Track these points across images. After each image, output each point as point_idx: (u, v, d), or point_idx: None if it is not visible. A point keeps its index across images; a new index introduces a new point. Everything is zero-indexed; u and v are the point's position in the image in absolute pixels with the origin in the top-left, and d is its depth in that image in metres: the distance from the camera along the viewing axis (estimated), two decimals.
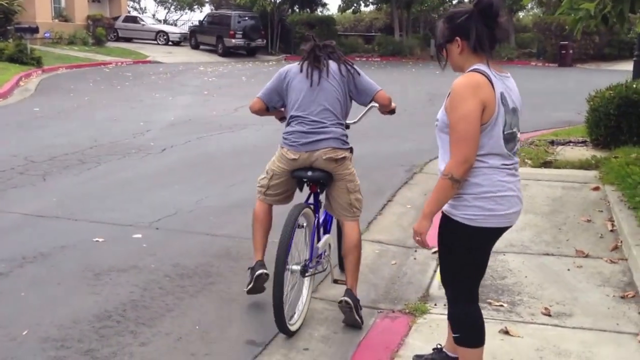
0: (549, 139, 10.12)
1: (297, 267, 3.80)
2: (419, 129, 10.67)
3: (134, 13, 39.28)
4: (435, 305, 4.17)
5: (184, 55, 29.43)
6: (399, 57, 31.89)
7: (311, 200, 4.00)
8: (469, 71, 2.64)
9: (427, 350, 3.54)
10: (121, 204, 6.23)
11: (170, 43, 33.12)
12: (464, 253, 2.78)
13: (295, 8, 35.64)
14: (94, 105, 13.50)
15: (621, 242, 5.17)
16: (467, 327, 2.89)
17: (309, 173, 3.81)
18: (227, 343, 3.63)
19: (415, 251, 5.18)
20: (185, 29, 36.49)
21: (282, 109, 4.07)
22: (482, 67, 2.62)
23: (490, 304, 4.19)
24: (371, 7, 38.69)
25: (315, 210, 3.98)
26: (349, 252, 3.91)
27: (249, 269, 4.13)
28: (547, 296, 4.29)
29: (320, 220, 4.08)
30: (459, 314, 2.90)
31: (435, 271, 4.79)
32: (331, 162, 3.77)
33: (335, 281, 4.21)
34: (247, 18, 30.26)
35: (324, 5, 38.86)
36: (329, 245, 4.17)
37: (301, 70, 3.86)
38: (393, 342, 3.64)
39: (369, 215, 5.85)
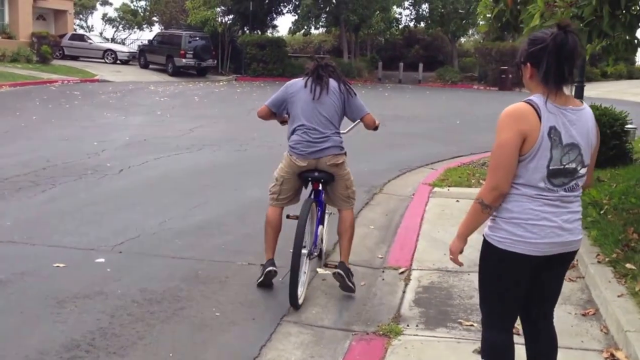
0: None
1: (305, 251, 4.53)
2: (371, 149, 10.80)
3: (80, 31, 38.62)
4: (408, 325, 4.21)
5: (133, 74, 29.05)
6: (348, 79, 31.94)
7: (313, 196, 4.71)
8: (522, 101, 2.64)
9: None
10: (80, 227, 6.07)
11: (118, 62, 32.66)
12: (495, 277, 2.78)
13: (246, 29, 35.68)
14: (43, 124, 13.15)
15: (577, 260, 5.31)
16: (494, 353, 2.87)
17: (316, 174, 4.57)
18: None
19: (383, 272, 5.22)
20: (133, 48, 36.05)
21: (286, 116, 4.76)
22: (537, 98, 2.61)
23: (461, 323, 4.24)
24: (321, 30, 39.13)
25: (318, 205, 4.75)
26: (345, 231, 4.73)
27: (261, 265, 4.78)
28: None
29: (321, 213, 4.84)
30: (488, 339, 2.89)
31: (404, 292, 4.84)
32: (333, 166, 4.55)
33: (326, 265, 4.93)
34: (197, 38, 30.13)
35: (275, 27, 39.13)
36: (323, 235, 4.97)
37: (305, 86, 4.53)
38: None
39: (334, 237, 5.88)
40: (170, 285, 4.72)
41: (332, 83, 4.58)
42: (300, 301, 4.41)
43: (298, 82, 4.62)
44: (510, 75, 29.88)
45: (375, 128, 4.86)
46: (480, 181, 8.55)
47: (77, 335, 3.86)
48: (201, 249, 5.58)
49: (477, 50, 34.30)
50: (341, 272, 4.57)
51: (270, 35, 36.96)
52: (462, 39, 40.61)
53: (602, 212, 6.08)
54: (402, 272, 5.22)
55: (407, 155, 10.80)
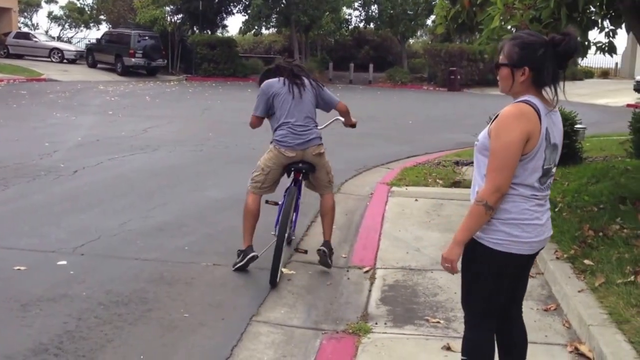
0: (453, 160, 10.57)
1: (286, 236, 4.93)
2: (327, 149, 10.81)
3: (25, 29, 37.50)
4: (377, 324, 4.26)
5: (81, 73, 28.37)
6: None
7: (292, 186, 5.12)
8: (518, 101, 2.65)
9: None
10: (38, 229, 5.92)
11: (65, 61, 31.80)
12: (487, 278, 2.78)
13: (195, 29, 35.30)
14: None
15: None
16: (477, 353, 2.89)
17: (300, 165, 4.99)
18: None
19: (348, 271, 5.27)
20: (81, 47, 35.22)
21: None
22: (534, 100, 2.64)
23: (427, 320, 4.32)
24: (272, 30, 39.02)
25: (298, 193, 5.17)
26: (328, 213, 5.22)
27: (239, 250, 5.11)
28: None
29: (298, 202, 5.29)
30: (472, 338, 2.91)
31: (370, 290, 4.89)
32: (317, 156, 5.01)
33: (296, 250, 5.37)
34: (147, 37, 29.63)
35: (225, 26, 38.81)
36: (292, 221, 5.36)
37: (284, 85, 4.95)
38: None
39: (301, 225, 6.01)
40: (136, 287, 4.66)
41: (305, 81, 5.05)
42: (277, 280, 4.78)
43: (274, 82, 5.01)
44: (458, 76, 30.42)
45: (354, 125, 5.48)
46: (438, 180, 8.71)
47: (45, 339, 3.77)
48: (164, 251, 5.52)
49: (426, 51, 34.77)
50: (326, 250, 5.09)
51: (220, 35, 36.64)
52: (411, 40, 41.09)
53: (556, 209, 6.28)
54: (366, 271, 5.28)
55: (362, 155, 10.88)
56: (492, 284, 2.80)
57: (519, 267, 2.83)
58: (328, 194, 5.28)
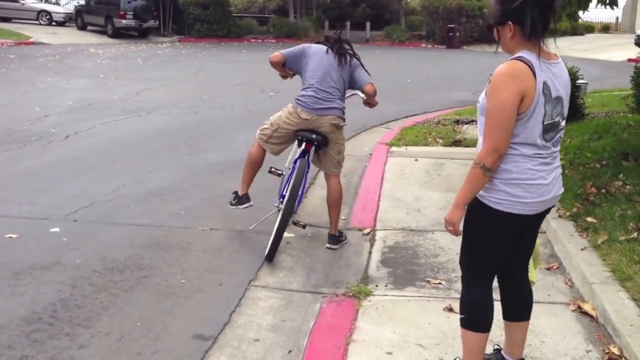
0: (453, 119, 10.43)
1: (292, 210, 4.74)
2: None
3: None
4: (377, 286, 4.19)
5: (71, 36, 27.86)
6: (294, 39, 31.70)
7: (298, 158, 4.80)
8: (512, 59, 2.55)
9: (380, 333, 3.55)
10: (30, 196, 5.80)
11: (54, 23, 31.18)
12: (487, 236, 2.73)
13: None
14: None
15: None
16: (476, 311, 2.85)
17: (313, 136, 4.69)
18: (174, 339, 3.45)
19: (347, 233, 5.17)
20: (70, 9, 34.53)
21: (291, 72, 4.97)
22: (528, 54, 2.53)
23: (429, 282, 4.25)
24: None
25: (307, 166, 4.81)
26: (335, 203, 4.91)
27: (235, 192, 5.11)
28: None
29: (307, 175, 4.91)
30: (470, 297, 2.86)
31: (370, 252, 4.81)
32: (334, 127, 4.70)
33: (295, 223, 4.90)
34: None
35: None
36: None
37: (328, 52, 4.75)
38: (344, 327, 3.61)
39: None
40: (131, 254, 4.57)
41: (348, 53, 4.83)
42: (274, 255, 4.60)
43: (315, 46, 4.86)
44: (457, 33, 29.96)
45: (372, 105, 4.98)
46: (437, 139, 8.59)
47: (38, 308, 3.70)
48: (159, 216, 5.42)
49: (424, 8, 34.10)
50: (333, 246, 4.84)
51: None
52: None
53: None
54: (366, 233, 5.20)
55: (360, 115, 10.60)
56: (492, 243, 2.76)
57: (521, 227, 2.75)
58: (334, 178, 4.92)
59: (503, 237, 2.75)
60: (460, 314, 2.91)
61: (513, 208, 2.64)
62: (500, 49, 2.69)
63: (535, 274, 3.05)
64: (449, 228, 2.71)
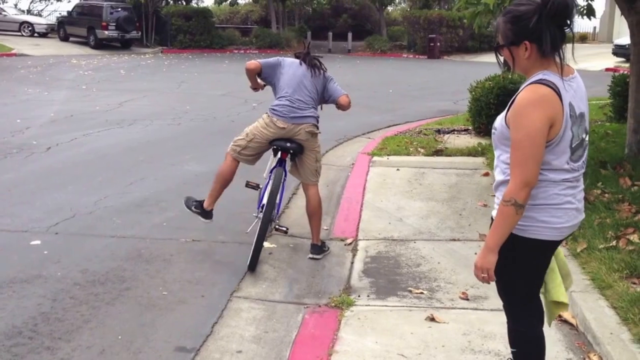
0: (435, 128, 10.50)
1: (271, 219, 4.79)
2: None
3: None
4: (359, 296, 4.21)
5: (53, 47, 27.73)
6: (277, 49, 31.85)
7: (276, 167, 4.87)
8: (534, 81, 2.37)
9: (362, 343, 3.56)
10: (11, 209, 5.75)
11: (36, 35, 31.03)
12: (516, 266, 2.56)
13: None
14: None
15: None
16: (524, 344, 2.72)
17: (288, 144, 4.74)
18: (155, 351, 3.44)
19: (329, 243, 5.18)
20: (52, 20, 34.36)
21: (263, 85, 5.13)
22: (550, 75, 2.37)
23: (411, 292, 4.28)
24: (248, 0, 38.41)
25: (284, 174, 4.89)
26: (314, 213, 4.93)
27: (199, 201, 5.03)
28: (462, 281, 4.44)
29: (284, 183, 4.98)
30: (516, 329, 2.73)
31: (352, 262, 4.83)
32: (309, 135, 4.76)
33: (276, 229, 4.97)
34: (120, 9, 28.93)
35: None
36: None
37: (301, 64, 4.86)
38: (327, 338, 3.62)
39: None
40: (112, 266, 4.55)
41: (320, 66, 4.97)
42: (256, 265, 4.61)
43: (289, 59, 4.95)
44: (438, 44, 30.23)
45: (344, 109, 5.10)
46: (419, 149, 8.64)
47: (18, 322, 3.67)
48: (141, 227, 5.40)
49: (405, 18, 34.40)
50: (316, 256, 4.87)
51: (195, 5, 35.97)
52: (390, 8, 40.67)
53: None
54: (348, 243, 5.22)
55: (343, 125, 10.74)
56: (523, 273, 2.61)
57: (545, 254, 2.59)
58: (313, 188, 4.92)
59: (533, 266, 2.60)
60: (511, 347, 2.78)
61: (539, 234, 2.47)
62: (503, 64, 2.56)
63: (565, 295, 2.77)
64: (482, 275, 2.49)
